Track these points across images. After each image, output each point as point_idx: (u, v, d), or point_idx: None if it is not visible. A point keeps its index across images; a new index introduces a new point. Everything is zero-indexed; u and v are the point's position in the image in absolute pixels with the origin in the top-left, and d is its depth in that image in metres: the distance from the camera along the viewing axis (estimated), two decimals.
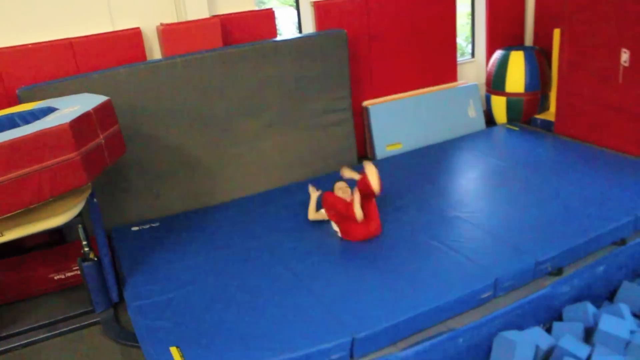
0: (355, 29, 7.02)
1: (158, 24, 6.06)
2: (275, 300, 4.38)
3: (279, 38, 6.44)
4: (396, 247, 4.98)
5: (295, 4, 7.05)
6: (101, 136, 4.32)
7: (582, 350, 4.17)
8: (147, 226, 5.76)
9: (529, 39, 8.65)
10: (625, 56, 6.31)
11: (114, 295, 4.81)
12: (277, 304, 4.33)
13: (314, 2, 6.79)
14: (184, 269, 4.91)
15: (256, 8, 6.54)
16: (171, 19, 6.12)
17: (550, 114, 7.84)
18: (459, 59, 8.57)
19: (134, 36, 5.90)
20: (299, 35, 6.65)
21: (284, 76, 6.33)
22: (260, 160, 6.42)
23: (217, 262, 4.99)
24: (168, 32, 5.89)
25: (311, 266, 4.80)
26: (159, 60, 5.80)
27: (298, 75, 6.41)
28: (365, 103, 7.31)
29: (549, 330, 4.57)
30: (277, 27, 6.64)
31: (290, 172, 6.57)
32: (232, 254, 5.11)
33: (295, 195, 6.20)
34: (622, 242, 5.15)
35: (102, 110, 4.41)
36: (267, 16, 6.51)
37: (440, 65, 7.90)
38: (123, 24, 5.92)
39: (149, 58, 6.09)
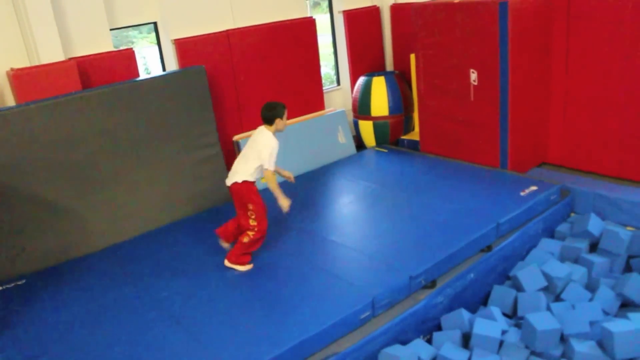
0: (219, 64, 7.03)
1: (8, 68, 5.75)
2: (153, 347, 4.19)
3: (138, 78, 6.30)
4: (274, 277, 4.98)
5: (157, 43, 6.95)
6: None
7: (462, 355, 4.37)
8: (12, 285, 5.36)
9: (389, 64, 9.06)
10: (473, 76, 6.76)
11: None
12: (155, 350, 4.15)
13: (175, 40, 6.74)
14: (52, 328, 4.58)
15: (114, 49, 6.37)
16: (23, 63, 5.82)
17: (415, 134, 8.22)
18: (327, 87, 8.81)
19: None
20: (158, 74, 6.54)
21: (147, 116, 6.20)
22: (131, 204, 6.18)
23: (91, 315, 4.71)
24: (20, 77, 5.58)
25: (189, 308, 4.66)
26: (11, 108, 5.45)
27: (161, 114, 6.30)
28: (236, 137, 7.30)
29: (430, 340, 4.73)
30: (146, 66, 6.48)
31: (164, 213, 6.39)
32: (106, 304, 4.86)
33: (171, 236, 6.04)
34: (488, 248, 5.45)
35: None
36: (128, 56, 6.36)
37: (307, 94, 8.07)
38: None
39: (0, 105, 5.74)
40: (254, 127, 7.45)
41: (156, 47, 7.04)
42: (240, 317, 4.45)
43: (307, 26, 7.89)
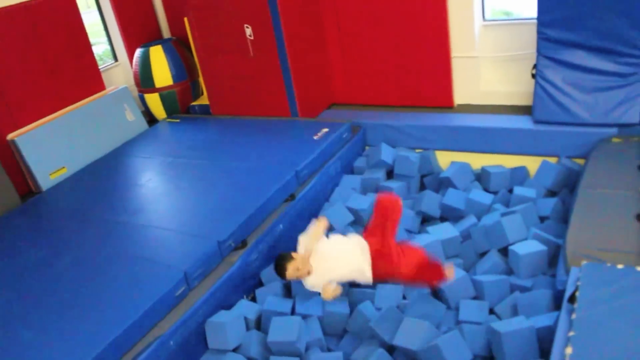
0: None
1: None
2: None
3: None
4: (80, 273, 4.64)
5: None
6: None
7: (286, 305, 4.52)
8: None
9: (165, 32, 8.74)
10: (248, 31, 6.74)
11: None
12: None
13: None
14: None
15: None
16: None
17: (205, 99, 8.05)
18: (104, 64, 8.30)
19: None
20: None
21: None
22: None
23: None
24: None
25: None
26: None
27: None
28: (11, 136, 6.62)
29: (254, 298, 4.79)
30: None
31: None
32: None
33: None
34: (292, 197, 5.56)
35: None
36: None
37: (82, 77, 7.46)
38: None
39: None
40: (31, 122, 6.88)
41: None
42: (50, 321, 4.11)
43: (68, 4, 7.26)
